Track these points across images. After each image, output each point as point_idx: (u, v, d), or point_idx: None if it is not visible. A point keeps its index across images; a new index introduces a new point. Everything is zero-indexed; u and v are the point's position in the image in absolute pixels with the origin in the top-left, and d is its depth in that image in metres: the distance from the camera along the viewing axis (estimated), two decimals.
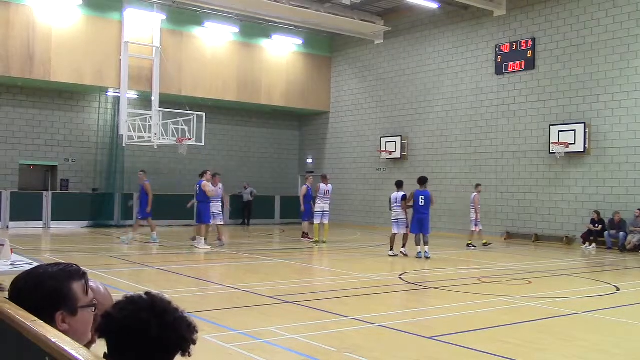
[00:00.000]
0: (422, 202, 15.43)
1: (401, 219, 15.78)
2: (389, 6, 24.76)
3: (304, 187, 19.54)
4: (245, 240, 20.20)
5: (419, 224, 15.41)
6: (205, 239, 16.35)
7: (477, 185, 18.85)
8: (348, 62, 27.93)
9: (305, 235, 19.37)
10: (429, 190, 15.82)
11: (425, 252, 15.28)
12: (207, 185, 16.40)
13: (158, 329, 1.70)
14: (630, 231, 17.82)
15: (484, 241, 18.29)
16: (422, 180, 15.81)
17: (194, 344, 1.79)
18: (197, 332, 1.81)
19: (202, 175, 16.82)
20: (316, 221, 18.55)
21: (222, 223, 17.26)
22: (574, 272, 13.82)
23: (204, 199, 16.46)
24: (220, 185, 17.18)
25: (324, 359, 6.20)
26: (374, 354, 6.40)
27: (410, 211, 15.75)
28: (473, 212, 18.29)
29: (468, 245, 17.98)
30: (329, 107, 28.63)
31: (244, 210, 26.24)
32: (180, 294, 9.46)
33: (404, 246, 15.77)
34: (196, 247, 16.16)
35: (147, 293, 1.82)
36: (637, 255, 17.06)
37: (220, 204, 17.12)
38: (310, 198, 19.23)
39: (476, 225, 18.22)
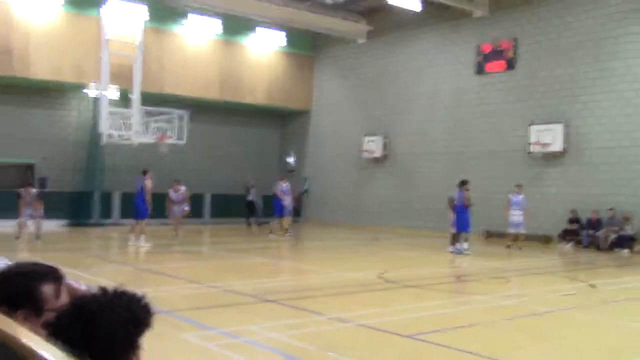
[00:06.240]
0: (458, 202, 16.77)
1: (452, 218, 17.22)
2: (371, 6, 24.82)
3: (282, 185, 20.74)
4: (225, 239, 20.16)
5: (457, 222, 16.66)
6: (144, 236, 16.37)
7: (519, 186, 18.43)
8: (330, 61, 27.96)
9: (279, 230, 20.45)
10: (465, 190, 16.81)
11: (456, 248, 16.59)
12: (149, 184, 16.58)
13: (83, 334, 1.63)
14: (606, 230, 18.06)
15: (509, 243, 18.18)
16: (460, 183, 17.05)
17: (147, 327, 1.71)
18: (141, 324, 1.70)
19: (144, 173, 16.82)
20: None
21: (179, 219, 17.99)
22: (552, 270, 13.98)
23: (142, 197, 16.51)
24: (182, 188, 17.99)
25: (304, 358, 6.22)
26: (353, 352, 6.43)
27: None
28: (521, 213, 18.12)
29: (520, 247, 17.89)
30: (311, 105, 28.65)
31: (248, 210, 25.55)
32: (159, 293, 9.41)
33: (452, 244, 16.89)
34: (139, 245, 16.09)
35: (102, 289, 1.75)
36: (613, 254, 17.31)
37: (183, 206, 18.02)
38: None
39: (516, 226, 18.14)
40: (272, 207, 21.17)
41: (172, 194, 17.86)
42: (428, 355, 6.52)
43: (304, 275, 12.87)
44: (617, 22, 18.47)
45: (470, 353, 6.43)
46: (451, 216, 17.15)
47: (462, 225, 16.64)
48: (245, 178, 26.22)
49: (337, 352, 6.32)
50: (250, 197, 25.40)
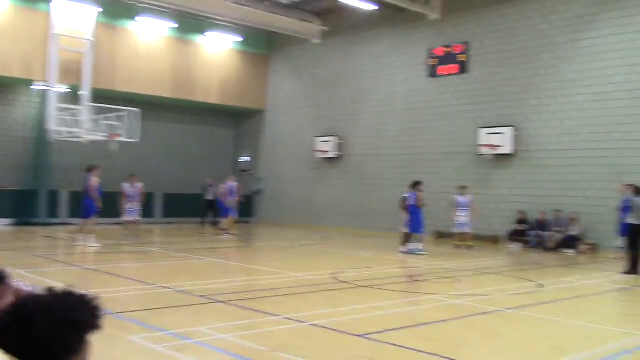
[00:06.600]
0: (410, 202, 17.00)
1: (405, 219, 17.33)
2: (327, 6, 24.87)
3: (227, 185, 20.83)
4: (177, 239, 19.91)
5: (410, 223, 16.94)
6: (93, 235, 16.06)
7: (463, 187, 18.87)
8: (286, 61, 27.91)
9: (219, 230, 20.73)
10: (418, 191, 17.19)
11: (411, 248, 16.68)
12: (94, 181, 16.21)
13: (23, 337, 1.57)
14: (553, 230, 18.54)
15: (457, 243, 18.70)
16: (413, 184, 17.32)
17: (94, 329, 1.66)
18: (86, 328, 1.64)
19: (90, 170, 16.46)
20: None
21: (136, 219, 17.74)
22: (500, 270, 14.26)
23: (89, 195, 16.21)
24: (138, 184, 17.65)
25: (255, 359, 6.17)
26: (305, 352, 6.42)
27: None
28: (467, 213, 18.48)
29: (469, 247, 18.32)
30: (265, 105, 28.54)
31: (207, 209, 25.28)
32: (107, 294, 9.21)
33: (403, 245, 16.96)
34: (87, 245, 15.76)
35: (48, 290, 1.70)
36: (559, 254, 17.79)
37: (137, 202, 17.86)
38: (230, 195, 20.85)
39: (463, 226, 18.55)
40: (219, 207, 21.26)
41: (128, 189, 17.49)
42: (380, 354, 6.55)
43: (256, 275, 12.80)
44: (565, 29, 18.97)
45: (421, 352, 6.50)
46: (404, 217, 17.31)
47: (415, 225, 16.85)
48: (198, 177, 25.99)
49: (288, 353, 6.30)
50: (209, 197, 25.23)
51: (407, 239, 17.07)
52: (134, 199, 17.58)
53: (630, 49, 17.67)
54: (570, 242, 18.09)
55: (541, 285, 11.63)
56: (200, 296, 9.30)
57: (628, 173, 16.28)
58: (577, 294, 11.07)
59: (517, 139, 19.69)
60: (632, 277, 13.36)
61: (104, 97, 22.48)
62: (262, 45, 28.22)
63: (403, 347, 6.67)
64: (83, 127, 21.40)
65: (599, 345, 7.28)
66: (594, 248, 17.94)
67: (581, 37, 18.68)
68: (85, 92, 22.22)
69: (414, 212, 16.91)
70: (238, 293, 10.02)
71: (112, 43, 23.69)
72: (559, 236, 18.36)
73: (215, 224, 23.95)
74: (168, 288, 10.01)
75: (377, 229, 22.79)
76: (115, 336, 6.51)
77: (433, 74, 22.09)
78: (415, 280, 12.96)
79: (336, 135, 25.04)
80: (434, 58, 22.08)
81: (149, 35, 24.70)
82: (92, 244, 15.76)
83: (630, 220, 13.86)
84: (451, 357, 6.35)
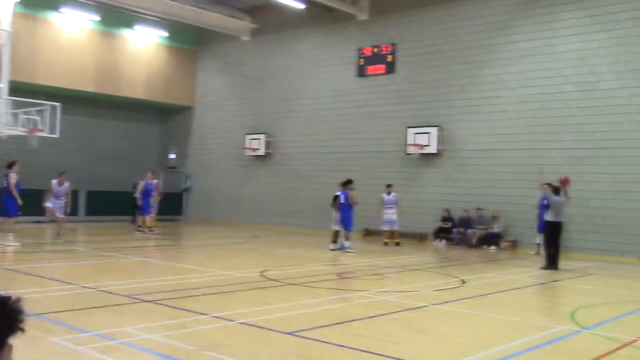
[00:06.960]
0: (342, 201, 17.15)
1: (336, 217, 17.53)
2: (256, 3, 24.77)
3: (145, 182, 20.89)
4: (101, 238, 19.38)
5: (340, 221, 17.13)
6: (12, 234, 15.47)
7: (389, 186, 19.29)
8: (215, 58, 27.61)
9: (144, 228, 20.50)
10: (349, 190, 17.43)
11: (343, 245, 16.92)
12: (13, 177, 15.65)
13: None
14: (476, 228, 19.17)
15: (385, 240, 19.08)
16: (344, 182, 17.52)
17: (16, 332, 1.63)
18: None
19: (9, 166, 15.87)
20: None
21: (60, 217, 17.25)
22: (426, 267, 14.62)
23: (9, 192, 15.61)
24: (66, 183, 17.28)
25: (183, 358, 6.09)
26: (234, 351, 6.39)
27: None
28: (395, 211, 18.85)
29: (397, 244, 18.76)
30: (193, 102, 28.15)
31: (135, 208, 24.57)
32: (28, 295, 8.87)
33: (333, 242, 17.18)
34: (6, 244, 15.16)
35: None
36: (481, 250, 18.41)
37: (63, 200, 17.32)
38: (149, 193, 20.71)
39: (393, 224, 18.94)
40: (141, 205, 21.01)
41: (55, 187, 16.89)
42: (307, 351, 6.60)
43: (184, 274, 12.61)
44: (487, 33, 19.63)
45: (350, 348, 6.59)
46: (335, 215, 17.47)
47: (347, 223, 17.08)
48: (124, 174, 25.36)
49: (217, 352, 6.25)
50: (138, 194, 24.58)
51: (336, 236, 17.26)
52: (60, 197, 17.03)
53: (543, 54, 18.48)
54: (491, 239, 18.76)
55: (464, 281, 12.00)
56: (126, 296, 9.10)
57: (547, 173, 16.99)
58: (498, 289, 11.48)
59: (443, 139, 20.23)
60: (549, 272, 14.00)
61: (23, 91, 21.54)
62: (191, 41, 27.82)
63: (332, 343, 6.75)
64: (1, 121, 20.44)
65: (519, 337, 7.58)
66: (514, 244, 18.67)
67: (499, 41, 19.39)
68: (2, 85, 21.22)
69: (345, 210, 17.12)
70: (165, 292, 9.85)
71: (32, 34, 22.79)
72: (481, 233, 18.99)
73: (134, 222, 23.40)
74: (92, 288, 9.74)
75: (306, 226, 22.90)
76: (38, 338, 6.29)
77: (362, 73, 22.39)
78: (344, 278, 13.11)
79: (266, 133, 25.00)
80: (362, 58, 22.38)
81: (72, 27, 23.90)
82: (11, 243, 15.14)
83: (548, 217, 14.53)
84: (379, 353, 6.47)
